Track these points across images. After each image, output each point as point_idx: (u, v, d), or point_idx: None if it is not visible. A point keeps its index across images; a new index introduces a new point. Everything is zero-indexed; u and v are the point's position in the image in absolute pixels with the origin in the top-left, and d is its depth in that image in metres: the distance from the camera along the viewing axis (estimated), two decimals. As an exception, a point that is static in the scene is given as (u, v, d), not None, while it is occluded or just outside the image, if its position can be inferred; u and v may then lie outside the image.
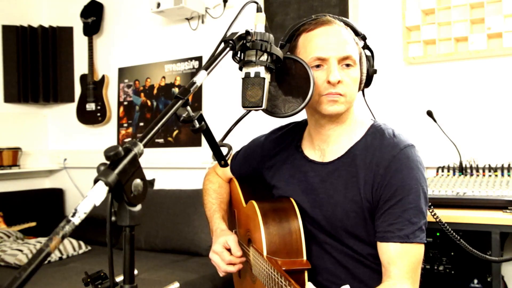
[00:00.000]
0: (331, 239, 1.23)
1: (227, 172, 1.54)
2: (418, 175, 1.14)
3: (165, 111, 0.82)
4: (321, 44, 1.15)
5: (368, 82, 1.25)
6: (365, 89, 1.28)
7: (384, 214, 1.13)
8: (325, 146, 1.25)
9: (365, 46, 1.23)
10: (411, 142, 1.18)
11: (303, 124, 1.36)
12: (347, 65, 1.16)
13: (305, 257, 1.20)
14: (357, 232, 1.19)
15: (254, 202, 1.29)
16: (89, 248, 2.74)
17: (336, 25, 1.18)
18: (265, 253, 1.19)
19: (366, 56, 1.22)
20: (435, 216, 1.34)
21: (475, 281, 1.80)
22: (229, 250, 1.34)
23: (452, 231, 1.34)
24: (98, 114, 3.40)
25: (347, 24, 1.22)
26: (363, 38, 1.23)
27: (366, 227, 1.18)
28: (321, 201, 1.23)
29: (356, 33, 1.22)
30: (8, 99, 3.46)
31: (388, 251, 1.11)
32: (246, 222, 1.39)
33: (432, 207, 1.34)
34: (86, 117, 3.45)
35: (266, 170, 1.39)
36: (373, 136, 1.21)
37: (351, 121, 1.24)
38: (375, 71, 1.24)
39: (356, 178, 1.17)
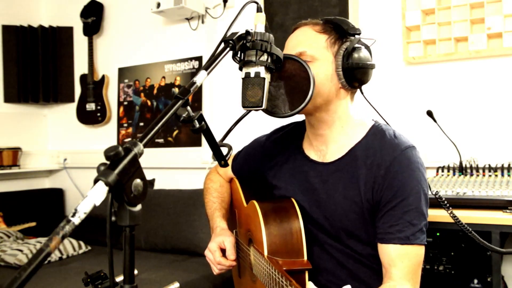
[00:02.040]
0: (332, 239, 1.23)
1: (228, 172, 1.54)
2: (419, 176, 1.14)
3: (165, 111, 0.82)
4: (285, 48, 1.22)
5: (349, 75, 1.17)
6: (363, 89, 1.26)
7: (384, 216, 1.13)
8: (324, 147, 1.26)
9: (361, 43, 1.20)
10: (412, 143, 1.18)
11: (303, 125, 1.36)
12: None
13: (305, 257, 1.20)
14: (357, 232, 1.19)
15: (255, 202, 1.29)
16: (89, 248, 2.74)
17: (306, 27, 1.22)
18: (265, 253, 1.19)
19: (348, 49, 1.16)
20: (454, 217, 1.32)
21: (475, 281, 1.80)
22: (224, 250, 1.34)
23: (469, 228, 1.31)
24: (98, 114, 3.40)
25: (329, 22, 1.20)
26: (349, 33, 1.17)
27: (366, 227, 1.18)
28: (321, 201, 1.23)
29: (339, 28, 1.18)
30: (8, 99, 3.46)
31: (388, 252, 1.11)
32: (247, 222, 1.39)
33: (450, 207, 1.31)
34: (86, 117, 3.45)
35: (267, 170, 1.39)
36: (374, 137, 1.20)
37: (347, 122, 1.23)
38: (354, 67, 1.16)
39: (357, 179, 1.17)
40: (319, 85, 1.15)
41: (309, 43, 1.18)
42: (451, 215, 1.31)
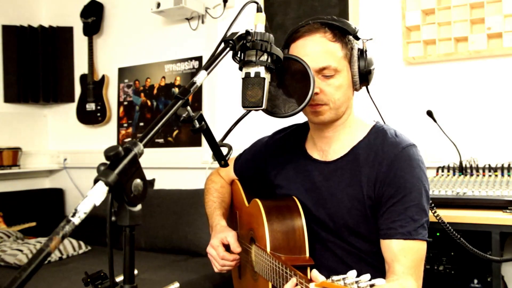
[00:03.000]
0: (334, 237, 1.24)
1: (230, 173, 1.54)
2: (420, 173, 1.16)
3: (165, 111, 0.82)
4: (301, 56, 1.15)
5: (364, 80, 1.22)
6: (363, 89, 1.27)
7: (386, 212, 1.14)
8: (328, 147, 1.27)
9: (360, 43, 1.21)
10: (412, 142, 1.20)
11: (306, 126, 1.37)
12: (327, 75, 1.15)
13: (308, 254, 1.20)
14: (359, 229, 1.20)
15: (258, 200, 1.30)
16: (89, 248, 2.74)
17: (317, 34, 1.17)
18: (268, 249, 1.20)
19: (359, 54, 1.19)
20: (436, 216, 1.34)
21: (475, 281, 1.80)
22: (226, 246, 1.34)
23: (453, 231, 1.34)
24: (98, 114, 3.40)
25: (333, 26, 1.18)
26: (355, 37, 1.20)
27: (368, 224, 1.19)
28: (324, 199, 1.24)
29: (346, 32, 1.19)
30: (8, 99, 3.46)
31: (391, 247, 1.12)
32: (249, 221, 1.39)
33: (434, 207, 1.34)
34: (86, 117, 3.45)
35: (269, 169, 1.40)
36: (376, 136, 1.22)
37: (352, 123, 1.25)
38: (368, 71, 1.20)
39: (359, 176, 1.19)
40: (343, 95, 1.18)
41: (330, 56, 1.16)
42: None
